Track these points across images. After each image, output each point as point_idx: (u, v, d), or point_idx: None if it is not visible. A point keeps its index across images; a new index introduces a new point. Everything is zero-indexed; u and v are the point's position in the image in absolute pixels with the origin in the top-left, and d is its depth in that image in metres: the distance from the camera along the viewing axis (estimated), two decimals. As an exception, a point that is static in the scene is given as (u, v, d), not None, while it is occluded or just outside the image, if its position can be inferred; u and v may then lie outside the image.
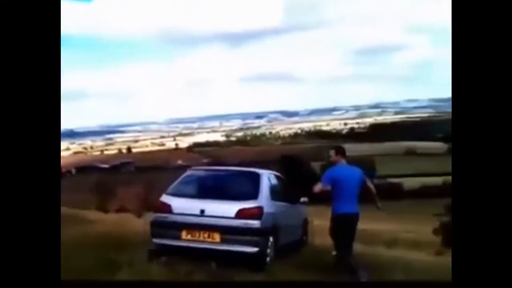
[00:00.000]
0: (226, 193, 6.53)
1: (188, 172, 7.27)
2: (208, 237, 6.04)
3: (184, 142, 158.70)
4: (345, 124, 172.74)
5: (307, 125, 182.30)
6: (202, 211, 6.16)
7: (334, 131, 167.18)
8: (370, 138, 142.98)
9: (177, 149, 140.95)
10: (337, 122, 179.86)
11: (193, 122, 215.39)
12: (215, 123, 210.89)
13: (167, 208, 6.39)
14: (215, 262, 5.71)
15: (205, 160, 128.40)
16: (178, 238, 6.13)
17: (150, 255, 5.95)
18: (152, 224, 6.46)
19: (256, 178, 6.70)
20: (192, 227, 6.12)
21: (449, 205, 24.12)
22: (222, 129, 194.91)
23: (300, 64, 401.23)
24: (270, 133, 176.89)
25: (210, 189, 6.70)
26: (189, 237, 6.11)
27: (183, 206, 6.34)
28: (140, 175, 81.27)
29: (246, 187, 6.53)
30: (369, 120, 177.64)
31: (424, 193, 77.56)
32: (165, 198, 6.59)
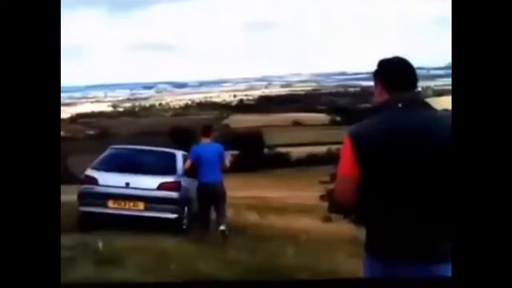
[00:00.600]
0: (148, 169, 7.63)
1: (110, 150, 8.37)
2: (133, 205, 7.20)
3: (65, 113, 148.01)
4: (235, 96, 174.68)
5: (198, 96, 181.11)
6: (127, 184, 7.36)
7: (224, 102, 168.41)
8: (259, 110, 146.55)
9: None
10: (226, 94, 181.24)
11: (75, 91, 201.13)
12: (100, 93, 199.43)
13: (93, 181, 7.49)
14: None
15: (91, 132, 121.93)
16: (105, 206, 7.17)
17: (78, 222, 6.85)
18: (80, 195, 7.40)
19: (173, 157, 7.95)
20: (118, 197, 7.24)
21: (332, 173, 26.31)
22: (107, 99, 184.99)
23: (189, 35, 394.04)
24: (160, 104, 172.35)
25: (132, 165, 7.71)
26: (115, 205, 7.20)
27: (109, 179, 7.46)
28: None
29: (165, 164, 7.69)
30: (257, 93, 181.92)
31: (310, 161, 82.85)
32: (90, 172, 7.69)
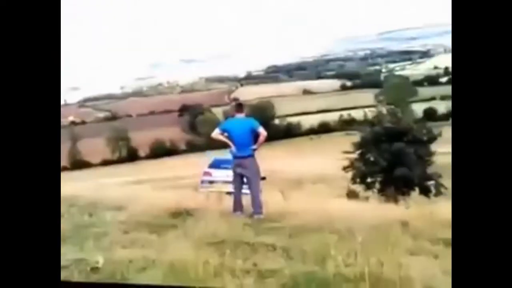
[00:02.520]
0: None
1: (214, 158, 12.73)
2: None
3: (72, 97, 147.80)
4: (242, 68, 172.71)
5: (205, 71, 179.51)
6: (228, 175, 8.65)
7: (232, 75, 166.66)
8: (266, 81, 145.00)
9: (66, 105, 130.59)
10: (234, 67, 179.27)
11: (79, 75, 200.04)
12: (106, 74, 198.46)
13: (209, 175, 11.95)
14: None
15: (101, 115, 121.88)
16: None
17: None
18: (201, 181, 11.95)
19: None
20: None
21: (356, 142, 25.32)
22: (114, 80, 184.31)
23: (191, 10, 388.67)
24: (168, 82, 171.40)
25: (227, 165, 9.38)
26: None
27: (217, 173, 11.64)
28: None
29: None
30: (264, 63, 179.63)
31: (323, 129, 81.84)
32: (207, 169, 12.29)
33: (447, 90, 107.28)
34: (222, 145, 7.17)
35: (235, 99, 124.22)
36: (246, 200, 6.63)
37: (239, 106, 7.30)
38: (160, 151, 79.32)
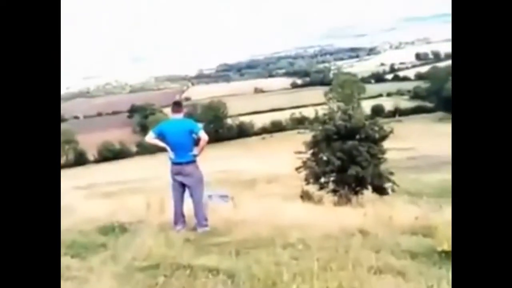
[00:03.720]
0: None
1: None
2: None
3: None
4: (193, 67, 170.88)
5: (155, 70, 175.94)
6: None
7: (183, 74, 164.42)
8: (218, 80, 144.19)
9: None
10: (184, 66, 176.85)
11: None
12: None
13: None
14: None
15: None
16: None
17: None
18: None
19: None
20: None
21: (307, 142, 25.18)
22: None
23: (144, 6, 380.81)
24: (116, 81, 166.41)
25: None
26: None
27: None
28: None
29: None
30: (215, 61, 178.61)
31: (275, 128, 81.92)
32: None
33: (393, 86, 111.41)
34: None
35: (187, 99, 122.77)
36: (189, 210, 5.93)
37: (177, 105, 6.45)
38: (110, 154, 76.77)
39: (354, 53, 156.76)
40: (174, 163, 6.14)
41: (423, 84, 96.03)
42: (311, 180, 24.22)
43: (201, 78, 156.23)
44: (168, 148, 6.16)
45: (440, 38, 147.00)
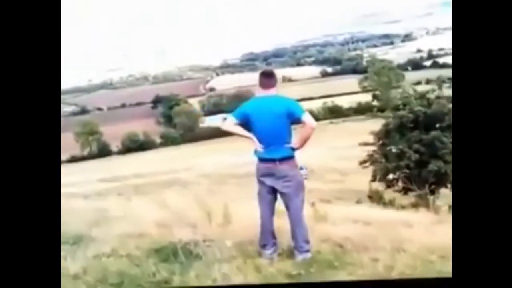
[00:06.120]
0: None
1: None
2: None
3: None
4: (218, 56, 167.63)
5: (177, 61, 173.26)
6: None
7: (207, 64, 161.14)
8: (243, 70, 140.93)
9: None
10: (209, 55, 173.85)
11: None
12: (72, 66, 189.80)
13: None
14: None
15: (69, 109, 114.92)
16: None
17: None
18: None
19: None
20: None
21: (375, 131, 21.34)
22: (81, 72, 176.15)
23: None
24: (139, 72, 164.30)
25: None
26: None
27: None
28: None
29: None
30: (241, 51, 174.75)
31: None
32: None
33: (433, 73, 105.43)
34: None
35: (212, 89, 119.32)
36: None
37: (268, 77, 4.48)
38: (134, 144, 75.59)
39: (388, 39, 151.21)
40: (263, 160, 4.31)
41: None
42: (378, 177, 20.86)
43: (226, 67, 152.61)
44: (254, 139, 4.29)
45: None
